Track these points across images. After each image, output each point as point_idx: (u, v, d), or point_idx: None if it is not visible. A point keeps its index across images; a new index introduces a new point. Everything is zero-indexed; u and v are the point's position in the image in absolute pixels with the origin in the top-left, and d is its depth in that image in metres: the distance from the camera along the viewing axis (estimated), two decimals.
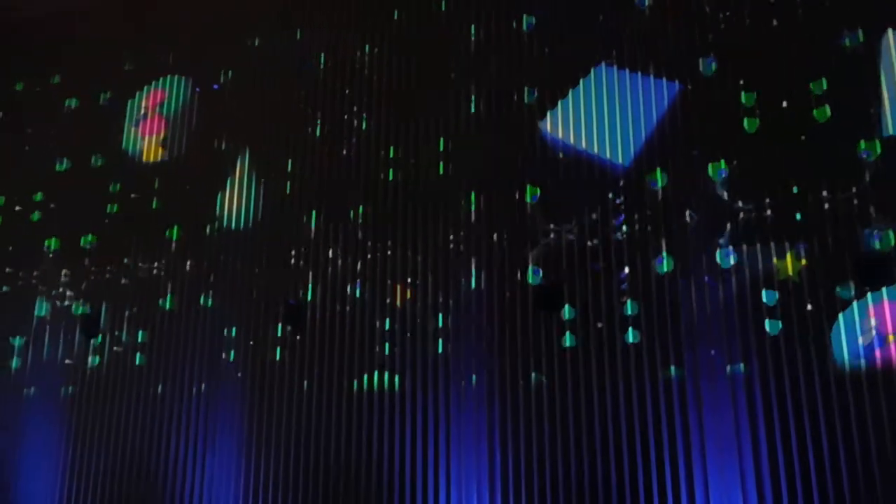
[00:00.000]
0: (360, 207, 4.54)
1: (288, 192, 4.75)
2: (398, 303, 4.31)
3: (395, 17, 4.80)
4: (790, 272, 3.58)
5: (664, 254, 3.83)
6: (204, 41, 5.32)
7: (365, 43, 4.83)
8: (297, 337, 4.47)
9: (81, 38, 5.65)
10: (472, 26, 4.56)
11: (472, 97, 4.44)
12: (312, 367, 4.38)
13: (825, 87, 3.75)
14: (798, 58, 3.84)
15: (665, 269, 3.81)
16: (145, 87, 5.44)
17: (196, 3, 5.41)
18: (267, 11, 5.18)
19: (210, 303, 4.75)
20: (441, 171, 4.42)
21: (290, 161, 4.80)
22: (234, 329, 4.63)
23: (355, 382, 4.26)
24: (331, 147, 4.73)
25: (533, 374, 3.92)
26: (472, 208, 4.27)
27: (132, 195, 5.20)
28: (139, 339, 4.86)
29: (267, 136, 4.94)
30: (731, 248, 3.73)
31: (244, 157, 4.96)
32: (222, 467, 4.41)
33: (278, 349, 4.50)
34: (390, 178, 4.53)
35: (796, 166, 3.72)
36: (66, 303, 5.14)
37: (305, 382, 4.37)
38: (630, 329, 3.80)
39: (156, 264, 4.97)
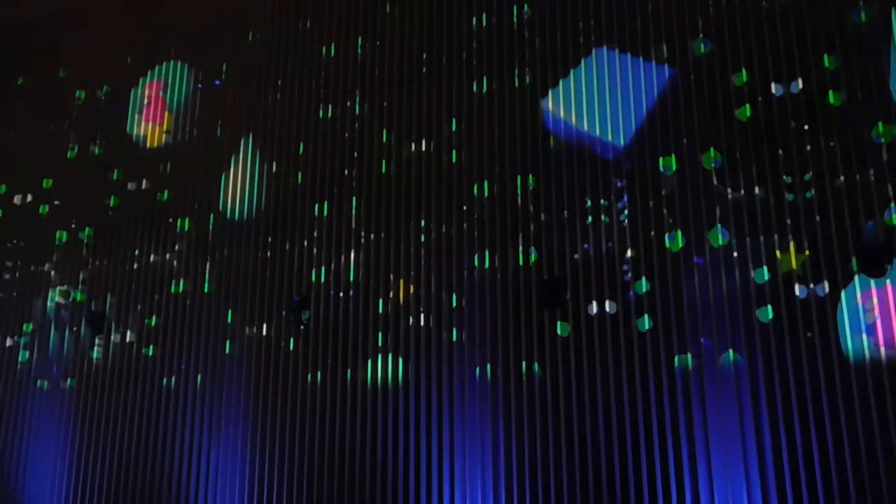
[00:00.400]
0: (363, 199, 4.53)
1: (291, 181, 4.74)
2: (401, 295, 4.31)
3: (396, 8, 4.78)
4: (793, 265, 3.56)
5: (667, 234, 3.82)
6: (205, 38, 5.30)
7: (365, 34, 4.81)
8: (301, 327, 4.47)
9: (82, 37, 5.66)
10: (474, 18, 4.53)
11: (475, 84, 4.42)
12: (317, 361, 4.38)
13: (832, 65, 3.69)
14: (806, 35, 3.77)
15: (671, 247, 3.79)
16: (148, 73, 5.43)
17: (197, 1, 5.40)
18: (268, 8, 5.15)
19: (214, 295, 4.76)
20: (445, 160, 4.41)
21: (293, 152, 4.79)
22: (238, 321, 4.65)
23: (360, 375, 4.27)
24: (334, 138, 4.71)
25: (536, 366, 3.93)
26: (475, 195, 4.26)
27: (135, 185, 5.19)
28: (144, 332, 4.87)
29: (270, 126, 4.92)
30: (733, 240, 3.71)
31: (248, 147, 4.94)
32: (227, 460, 4.43)
33: (282, 342, 4.50)
34: (392, 168, 4.51)
35: (801, 153, 3.68)
36: (71, 297, 5.15)
37: (309, 375, 4.38)
38: (634, 318, 3.80)
39: (161, 255, 4.97)
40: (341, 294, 4.45)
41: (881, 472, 3.24)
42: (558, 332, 3.91)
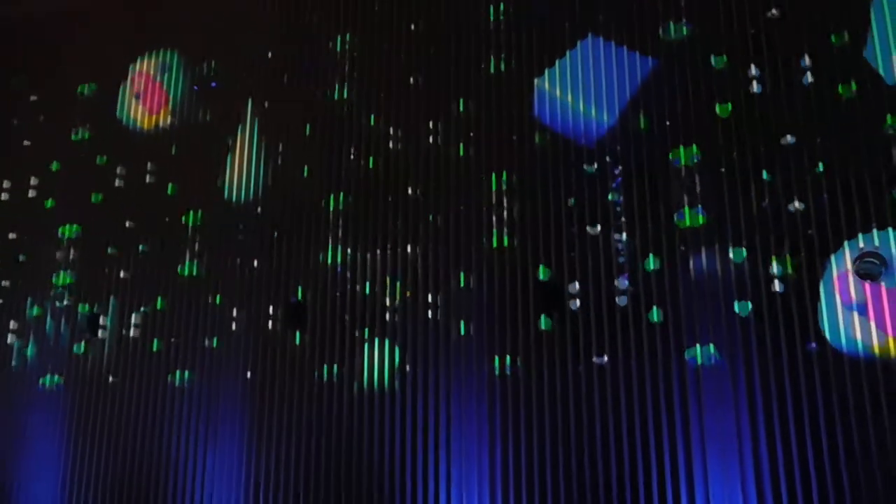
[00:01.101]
0: (360, 193, 4.54)
1: (294, 172, 4.76)
2: (398, 295, 4.32)
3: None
4: (788, 269, 3.57)
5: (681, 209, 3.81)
6: (204, 36, 5.32)
7: (364, 30, 4.83)
8: (298, 332, 4.48)
9: (82, 37, 5.66)
10: (491, 7, 4.54)
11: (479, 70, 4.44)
12: (313, 363, 4.38)
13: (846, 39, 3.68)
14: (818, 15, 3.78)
15: (688, 224, 3.79)
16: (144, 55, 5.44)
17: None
18: (268, 6, 5.17)
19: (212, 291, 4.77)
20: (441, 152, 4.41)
21: (296, 143, 4.81)
22: (236, 317, 4.65)
23: (356, 373, 4.27)
24: (332, 128, 4.73)
25: (526, 363, 3.94)
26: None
27: (128, 174, 5.20)
28: (138, 329, 4.88)
29: (270, 118, 4.94)
30: (729, 243, 3.72)
31: (247, 137, 4.95)
32: (223, 461, 4.43)
33: (280, 340, 4.51)
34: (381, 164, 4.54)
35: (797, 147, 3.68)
36: (66, 297, 5.16)
37: (307, 378, 4.38)
38: (631, 315, 3.81)
39: (158, 249, 4.98)
40: (338, 293, 4.46)
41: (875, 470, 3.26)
42: (553, 329, 3.91)
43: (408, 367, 4.15)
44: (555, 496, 3.74)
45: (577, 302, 3.90)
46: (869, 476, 3.25)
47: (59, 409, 4.89)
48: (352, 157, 4.63)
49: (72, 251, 5.22)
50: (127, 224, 5.08)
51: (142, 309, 4.89)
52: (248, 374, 4.50)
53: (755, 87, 3.83)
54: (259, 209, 4.79)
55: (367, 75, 4.74)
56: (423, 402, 4.09)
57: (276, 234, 4.68)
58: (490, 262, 4.13)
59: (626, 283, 3.83)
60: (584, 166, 4.07)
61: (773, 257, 3.60)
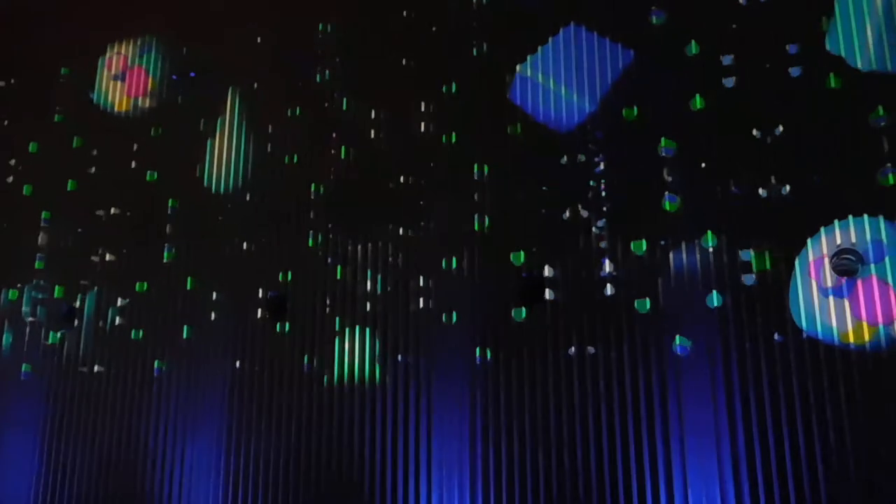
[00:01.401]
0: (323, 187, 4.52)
1: (272, 159, 4.74)
2: (379, 288, 4.31)
3: None
4: (766, 265, 3.57)
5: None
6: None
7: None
8: (277, 324, 4.46)
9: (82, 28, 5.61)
10: None
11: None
12: (293, 357, 4.36)
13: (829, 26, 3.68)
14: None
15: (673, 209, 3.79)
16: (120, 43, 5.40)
17: None
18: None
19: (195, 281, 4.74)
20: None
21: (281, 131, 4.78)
22: (217, 309, 4.64)
23: (338, 367, 4.27)
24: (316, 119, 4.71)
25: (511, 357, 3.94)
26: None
27: (108, 159, 5.16)
28: (116, 321, 4.85)
29: (256, 106, 4.91)
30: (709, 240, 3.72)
31: (231, 125, 4.91)
32: (201, 457, 4.42)
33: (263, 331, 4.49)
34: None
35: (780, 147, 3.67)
36: (42, 290, 5.12)
37: (287, 368, 4.37)
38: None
39: (140, 239, 4.95)
40: (318, 289, 4.43)
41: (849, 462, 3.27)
42: (533, 319, 3.91)
43: (389, 357, 4.14)
44: (534, 487, 3.74)
45: (555, 292, 3.90)
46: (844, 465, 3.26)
47: (32, 399, 4.85)
48: (333, 148, 4.61)
49: (48, 238, 5.19)
50: (102, 214, 5.05)
51: (118, 302, 4.85)
52: (237, 364, 4.47)
53: (732, 77, 3.83)
54: (239, 197, 4.76)
55: (352, 62, 4.73)
56: (404, 391, 4.09)
57: (257, 222, 4.66)
58: (472, 251, 4.12)
59: (607, 271, 3.83)
60: (565, 155, 4.07)
61: (752, 250, 3.60)
